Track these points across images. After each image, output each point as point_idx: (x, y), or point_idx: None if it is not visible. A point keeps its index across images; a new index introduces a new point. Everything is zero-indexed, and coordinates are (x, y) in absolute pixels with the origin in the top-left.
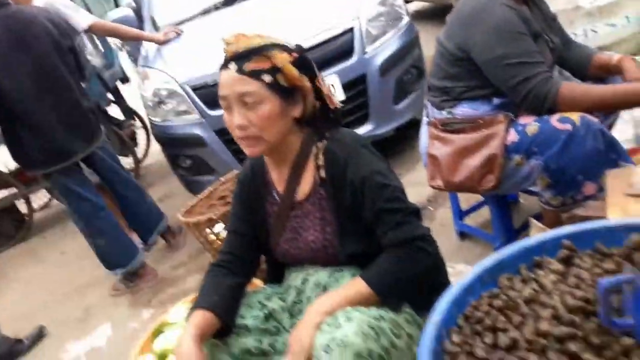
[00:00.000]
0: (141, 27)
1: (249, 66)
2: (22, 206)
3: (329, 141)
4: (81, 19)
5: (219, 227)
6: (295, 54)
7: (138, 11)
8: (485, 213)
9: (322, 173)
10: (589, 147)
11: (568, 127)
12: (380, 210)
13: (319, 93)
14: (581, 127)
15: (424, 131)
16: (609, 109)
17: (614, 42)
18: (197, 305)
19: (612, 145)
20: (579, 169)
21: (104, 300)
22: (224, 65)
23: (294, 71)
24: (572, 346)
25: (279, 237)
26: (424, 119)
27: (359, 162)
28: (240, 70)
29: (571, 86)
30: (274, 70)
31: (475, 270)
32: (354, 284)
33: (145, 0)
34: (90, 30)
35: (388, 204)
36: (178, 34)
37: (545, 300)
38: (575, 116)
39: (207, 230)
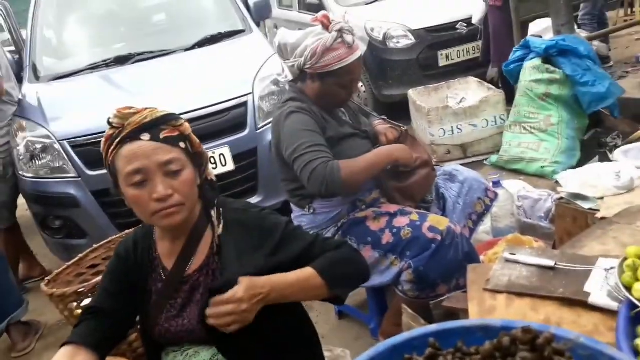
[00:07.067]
0: (20, 73)
1: (164, 134)
2: None
3: (223, 207)
4: None
5: (88, 301)
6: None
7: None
8: (362, 292)
9: (219, 237)
10: (450, 257)
11: (437, 237)
12: (314, 241)
13: None
14: (447, 238)
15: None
16: (373, 174)
17: (475, 140)
18: None
19: (469, 254)
20: (439, 275)
21: None
22: (132, 138)
23: (197, 139)
24: None
25: (159, 315)
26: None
27: (261, 216)
28: (156, 139)
29: (346, 166)
30: (184, 137)
31: None
32: (305, 272)
33: (28, 43)
34: None
35: (319, 237)
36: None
37: None
38: (443, 226)
39: (74, 304)
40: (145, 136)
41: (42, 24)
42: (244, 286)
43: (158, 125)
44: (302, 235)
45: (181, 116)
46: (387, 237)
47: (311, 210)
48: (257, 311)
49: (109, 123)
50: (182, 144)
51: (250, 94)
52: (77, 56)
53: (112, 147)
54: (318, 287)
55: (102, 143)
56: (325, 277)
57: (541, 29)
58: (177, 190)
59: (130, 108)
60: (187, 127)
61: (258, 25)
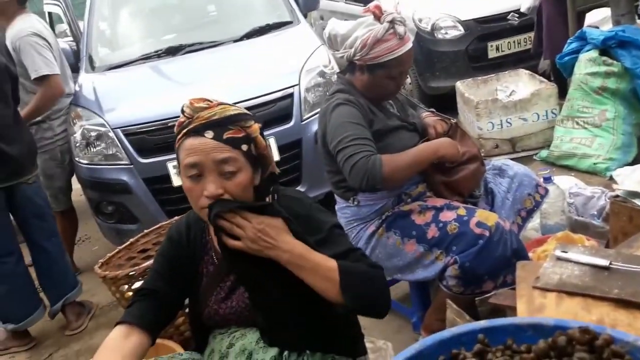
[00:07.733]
0: (77, 64)
1: (228, 134)
2: None
3: (277, 193)
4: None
5: (139, 284)
6: (259, 124)
7: (77, 45)
8: (404, 286)
9: None
10: (498, 254)
11: (485, 232)
12: (353, 250)
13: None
14: (495, 234)
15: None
16: (417, 171)
17: (525, 134)
18: None
19: (518, 251)
20: (486, 271)
21: None
22: (197, 132)
23: (263, 141)
24: None
25: (209, 297)
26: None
27: (313, 209)
28: (218, 138)
29: (388, 161)
30: (249, 139)
31: None
32: (329, 261)
33: (85, 34)
34: None
35: (360, 250)
36: None
37: None
38: (491, 222)
39: (125, 286)
40: (209, 134)
41: (97, 15)
42: (269, 222)
43: (225, 125)
44: (345, 241)
45: (252, 116)
46: (432, 232)
47: (355, 202)
48: (262, 253)
49: (182, 111)
50: (244, 146)
51: (296, 85)
52: (131, 47)
53: (180, 136)
54: (330, 280)
55: (175, 126)
56: (342, 277)
57: (598, 20)
58: (229, 191)
59: (204, 100)
60: (256, 129)
61: (305, 16)
